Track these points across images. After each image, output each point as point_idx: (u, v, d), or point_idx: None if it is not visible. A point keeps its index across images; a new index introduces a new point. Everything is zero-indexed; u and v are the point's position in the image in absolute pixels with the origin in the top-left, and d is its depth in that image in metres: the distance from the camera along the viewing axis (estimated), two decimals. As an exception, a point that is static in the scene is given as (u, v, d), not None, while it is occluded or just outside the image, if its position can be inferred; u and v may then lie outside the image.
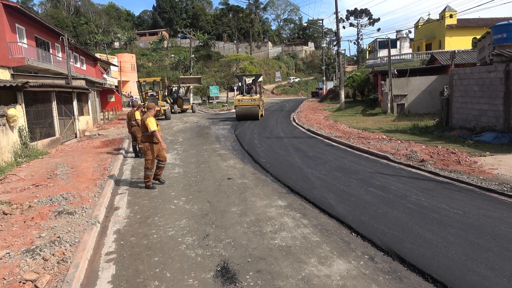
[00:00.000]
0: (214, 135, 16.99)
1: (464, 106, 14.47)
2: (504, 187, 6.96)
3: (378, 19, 74.51)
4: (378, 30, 74.87)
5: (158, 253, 4.74)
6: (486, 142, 11.72)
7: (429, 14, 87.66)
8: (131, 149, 13.14)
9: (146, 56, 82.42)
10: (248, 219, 5.76)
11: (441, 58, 27.72)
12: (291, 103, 42.33)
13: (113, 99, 40.00)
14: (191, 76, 42.91)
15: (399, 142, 12.35)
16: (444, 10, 45.73)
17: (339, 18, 32.87)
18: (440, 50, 40.32)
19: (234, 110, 24.82)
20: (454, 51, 19.31)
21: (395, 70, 24.59)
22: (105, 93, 38.67)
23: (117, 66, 50.85)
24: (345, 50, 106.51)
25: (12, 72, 19.77)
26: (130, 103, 42.19)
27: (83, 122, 19.72)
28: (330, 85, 51.89)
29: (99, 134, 19.23)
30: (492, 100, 12.85)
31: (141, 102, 29.02)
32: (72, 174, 9.11)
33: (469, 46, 40.33)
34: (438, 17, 47.59)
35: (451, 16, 46.16)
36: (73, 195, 7.12)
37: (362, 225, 5.25)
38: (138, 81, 30.31)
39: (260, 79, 31.94)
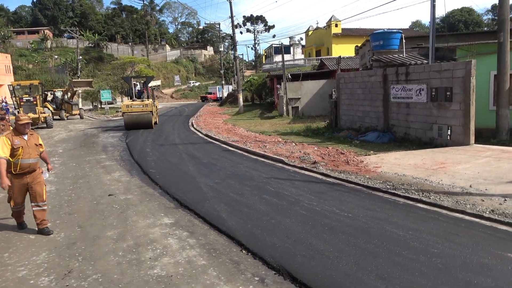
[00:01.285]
0: (101, 144, 15.33)
1: (350, 108, 15.42)
2: (387, 185, 7.27)
3: (273, 26, 77.77)
4: (274, 36, 78.13)
5: (-4, 305, 3.64)
6: (370, 141, 12.53)
7: (317, 23, 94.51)
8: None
9: (26, 57, 73.07)
10: (125, 245, 4.90)
11: (329, 64, 29.72)
12: (191, 108, 41.35)
13: (-19, 106, 34.52)
14: (82, 80, 39.19)
15: (294, 144, 12.52)
16: (330, 20, 49.53)
17: (235, 23, 33.13)
18: (328, 57, 43.50)
19: None
20: (340, 56, 20.70)
21: (289, 75, 25.55)
22: (-31, 99, 33.10)
23: (-14, 67, 43.94)
24: (243, 55, 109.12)
25: None
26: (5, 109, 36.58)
27: None
28: (227, 89, 52.21)
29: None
30: (373, 102, 13.87)
31: (15, 108, 25.32)
32: None
33: (352, 53, 44.26)
34: (325, 26, 51.37)
35: (336, 25, 50.28)
36: None
37: (254, 239, 4.81)
38: (11, 85, 26.28)
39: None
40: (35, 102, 24.74)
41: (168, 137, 16.56)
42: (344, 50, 47.43)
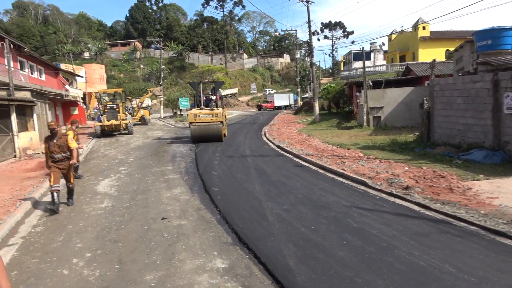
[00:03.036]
0: (171, 153, 14.96)
1: (447, 120, 13.07)
2: (516, 228, 5.32)
3: (352, 32, 74.89)
4: (353, 42, 74.59)
5: None
6: (475, 161, 10.23)
7: (402, 26, 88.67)
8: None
9: (118, 67, 79.65)
10: (162, 299, 3.83)
11: (416, 69, 26.80)
12: (265, 116, 40.71)
13: (76, 112, 37.79)
14: (153, 88, 42.47)
15: (378, 162, 10.71)
16: (417, 22, 45.60)
17: (313, 30, 31.74)
18: (414, 62, 39.84)
19: None
20: (435, 59, 18.19)
21: (370, 81, 23.38)
22: (68, 105, 36.32)
23: (82, 77, 48.28)
24: (320, 62, 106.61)
25: None
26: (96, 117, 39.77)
27: (25, 139, 17.34)
28: (290, 97, 51.16)
29: (42, 153, 16.85)
30: (478, 113, 11.46)
31: (100, 115, 26.78)
32: (-41, 213, 6.93)
33: (442, 58, 40.00)
34: (411, 29, 47.47)
35: (424, 28, 46.15)
36: None
37: (332, 313, 3.41)
38: (97, 93, 27.97)
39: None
40: (117, 109, 25.85)
41: (238, 148, 15.70)
42: (432, 54, 43.03)
